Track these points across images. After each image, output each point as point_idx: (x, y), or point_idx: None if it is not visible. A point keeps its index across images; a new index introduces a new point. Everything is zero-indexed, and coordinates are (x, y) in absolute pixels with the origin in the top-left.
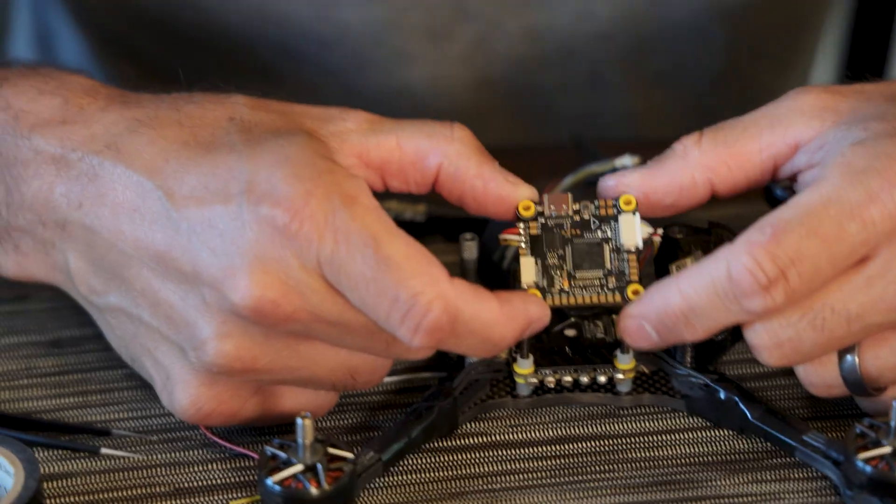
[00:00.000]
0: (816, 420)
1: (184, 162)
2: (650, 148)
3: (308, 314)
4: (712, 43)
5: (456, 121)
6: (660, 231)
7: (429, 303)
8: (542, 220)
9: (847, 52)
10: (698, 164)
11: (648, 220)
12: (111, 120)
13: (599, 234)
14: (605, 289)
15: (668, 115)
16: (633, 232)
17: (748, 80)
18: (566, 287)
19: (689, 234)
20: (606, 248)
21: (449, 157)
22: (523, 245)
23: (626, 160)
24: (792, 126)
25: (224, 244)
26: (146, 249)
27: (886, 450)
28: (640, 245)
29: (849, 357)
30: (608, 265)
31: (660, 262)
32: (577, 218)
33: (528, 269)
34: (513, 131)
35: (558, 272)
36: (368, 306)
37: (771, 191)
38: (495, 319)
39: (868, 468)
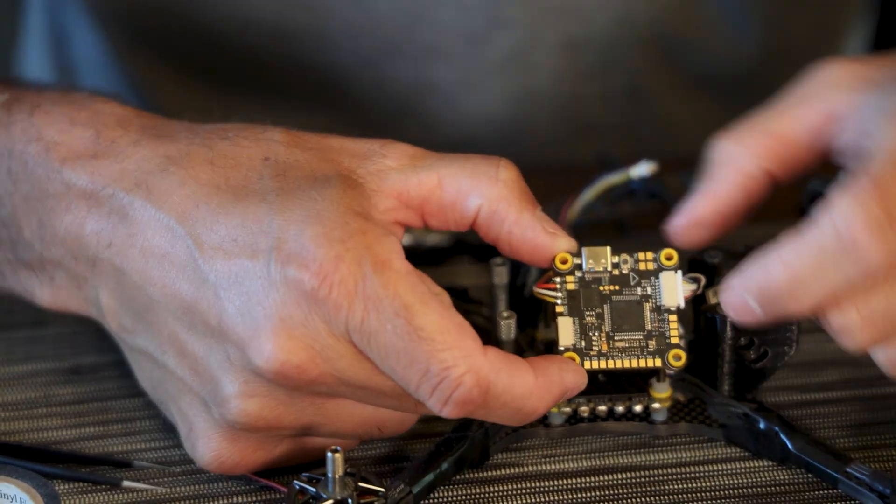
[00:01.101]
0: (859, 450)
1: (214, 209)
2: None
3: (334, 378)
4: (747, 41)
5: (490, 128)
6: (702, 285)
7: (460, 377)
8: (580, 275)
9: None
10: (751, 161)
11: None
12: (143, 156)
13: (639, 290)
14: (645, 352)
15: (706, 123)
16: (674, 291)
17: (782, 80)
18: (605, 350)
19: (725, 258)
20: (646, 307)
21: (490, 199)
22: (559, 302)
23: (643, 168)
24: (828, 100)
25: (249, 304)
26: (173, 297)
27: None
28: (682, 304)
29: None
30: (648, 326)
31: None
32: (615, 272)
33: (566, 331)
34: (551, 144)
35: (596, 333)
36: (398, 376)
37: (804, 211)
38: (529, 392)
39: None
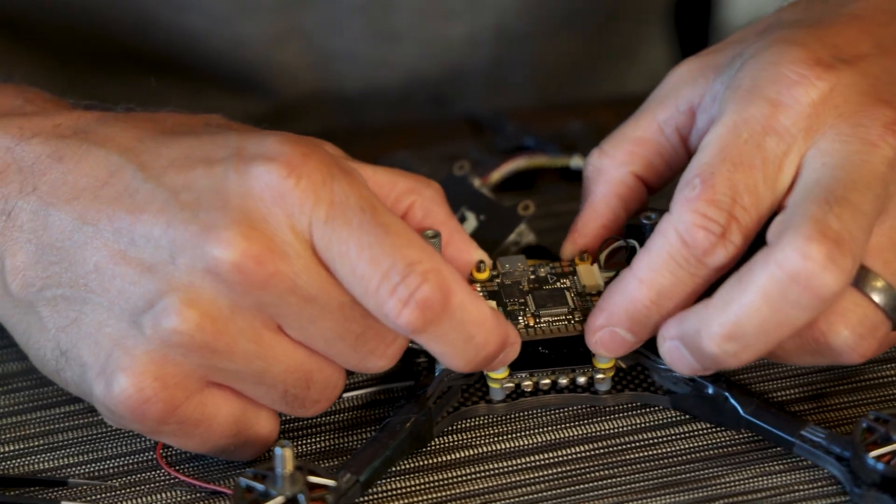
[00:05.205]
0: (801, 402)
1: (161, 140)
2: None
3: (288, 281)
4: None
5: (355, 69)
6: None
7: (425, 273)
8: (500, 280)
9: None
10: (618, 170)
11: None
12: (78, 115)
13: (559, 284)
14: (572, 322)
15: (571, 65)
16: (593, 276)
17: (636, 19)
18: (531, 324)
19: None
20: (569, 294)
21: (424, 197)
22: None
23: (578, 160)
24: (679, 95)
25: (206, 202)
26: (110, 220)
27: None
28: (602, 287)
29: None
30: (572, 305)
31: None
32: (532, 276)
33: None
34: (420, 83)
35: (522, 314)
36: (358, 275)
37: None
38: (483, 318)
39: (880, 465)
